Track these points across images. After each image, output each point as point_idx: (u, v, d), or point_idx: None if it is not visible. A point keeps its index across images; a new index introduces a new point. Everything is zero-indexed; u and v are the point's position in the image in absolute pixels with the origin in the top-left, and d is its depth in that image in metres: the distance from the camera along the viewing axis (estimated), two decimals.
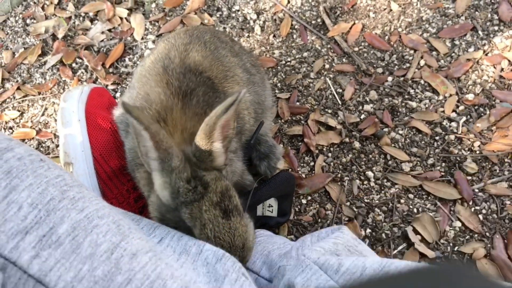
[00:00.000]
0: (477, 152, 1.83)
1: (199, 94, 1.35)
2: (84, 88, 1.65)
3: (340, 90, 2.05)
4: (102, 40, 2.36)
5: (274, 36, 2.24)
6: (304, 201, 1.81)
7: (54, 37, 2.41)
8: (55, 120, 2.15)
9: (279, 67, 2.14)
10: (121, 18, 2.43)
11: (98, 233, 0.94)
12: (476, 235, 1.68)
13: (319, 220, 1.77)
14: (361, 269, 1.14)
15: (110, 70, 2.26)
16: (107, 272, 0.89)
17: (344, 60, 2.13)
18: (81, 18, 2.46)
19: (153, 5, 2.44)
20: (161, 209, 1.22)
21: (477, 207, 1.72)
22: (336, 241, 1.27)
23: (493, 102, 1.92)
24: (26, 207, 0.88)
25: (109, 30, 2.40)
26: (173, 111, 1.29)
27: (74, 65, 2.30)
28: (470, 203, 1.73)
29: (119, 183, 1.53)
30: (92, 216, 0.96)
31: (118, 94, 2.15)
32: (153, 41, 2.31)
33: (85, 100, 1.62)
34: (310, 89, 2.06)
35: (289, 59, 2.16)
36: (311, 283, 1.15)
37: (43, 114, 2.18)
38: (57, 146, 2.07)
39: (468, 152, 1.83)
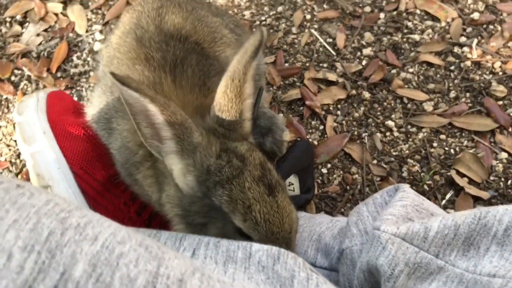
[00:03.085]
0: (500, 73, 1.63)
1: (192, 63, 1.14)
2: (40, 95, 1.34)
3: (331, 40, 1.80)
4: (40, 43, 2.02)
5: None
6: (324, 171, 1.57)
7: None
8: (7, 146, 1.80)
9: (254, 29, 1.87)
10: (56, 14, 2.09)
11: (127, 264, 0.69)
12: None
13: (348, 188, 1.53)
14: (453, 229, 0.93)
15: (58, 74, 1.93)
16: None
17: (325, 6, 1.89)
18: (7, 24, 2.10)
19: None
20: (183, 202, 0.99)
21: None
22: (404, 203, 1.04)
23: (501, 17, 1.73)
24: (18, 253, 0.62)
25: (46, 30, 2.06)
26: (163, 85, 1.08)
27: (13, 78, 1.94)
28: (510, 129, 1.54)
29: (113, 197, 1.23)
30: (111, 243, 0.70)
31: (75, 99, 1.82)
32: (101, 31, 1.98)
33: (45, 107, 1.31)
34: (296, 46, 1.81)
35: (263, 18, 1.89)
36: (399, 261, 0.92)
37: None
38: (17, 174, 1.73)
39: (491, 76, 1.64)
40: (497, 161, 1.50)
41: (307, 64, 1.76)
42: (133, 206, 1.24)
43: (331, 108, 1.67)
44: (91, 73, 1.88)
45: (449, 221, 0.92)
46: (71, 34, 2.02)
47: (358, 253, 1.02)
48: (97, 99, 1.23)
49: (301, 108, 1.69)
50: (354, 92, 1.67)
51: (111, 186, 1.24)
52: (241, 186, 0.91)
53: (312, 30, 1.83)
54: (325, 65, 1.75)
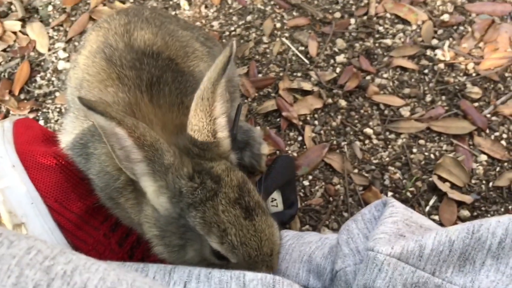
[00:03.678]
0: (474, 74, 1.64)
1: (168, 81, 1.10)
2: (5, 124, 1.26)
3: (303, 48, 1.78)
4: (0, 64, 1.92)
5: (206, 6, 1.92)
6: (306, 183, 1.54)
7: None
8: None
9: (224, 40, 1.83)
10: (14, 33, 2.00)
11: None
12: (506, 164, 1.49)
13: (331, 199, 1.51)
14: (448, 245, 0.92)
15: (22, 96, 1.84)
16: None
17: (294, 13, 1.86)
18: None
19: (50, 8, 2.02)
20: (160, 222, 0.96)
21: (496, 133, 1.55)
22: (395, 219, 1.02)
23: (470, 18, 1.74)
24: None
25: (4, 50, 1.96)
26: (141, 106, 1.03)
27: None
28: (487, 131, 1.56)
29: (91, 230, 1.17)
30: None
31: (42, 123, 1.74)
32: (64, 49, 1.90)
33: (11, 138, 1.23)
34: (268, 55, 1.78)
35: (232, 28, 1.85)
36: (396, 282, 0.91)
37: None
38: None
39: (465, 77, 1.64)
40: (477, 164, 1.50)
41: (281, 74, 1.72)
42: (113, 237, 1.17)
43: (308, 118, 1.64)
44: (57, 94, 1.80)
45: (443, 237, 0.91)
46: (32, 53, 1.93)
47: (352, 274, 1.00)
48: (70, 124, 1.17)
49: (278, 119, 1.66)
50: (330, 100, 1.65)
51: (89, 217, 1.17)
52: (215, 208, 0.88)
53: (284, 39, 1.80)
54: (299, 74, 1.72)
